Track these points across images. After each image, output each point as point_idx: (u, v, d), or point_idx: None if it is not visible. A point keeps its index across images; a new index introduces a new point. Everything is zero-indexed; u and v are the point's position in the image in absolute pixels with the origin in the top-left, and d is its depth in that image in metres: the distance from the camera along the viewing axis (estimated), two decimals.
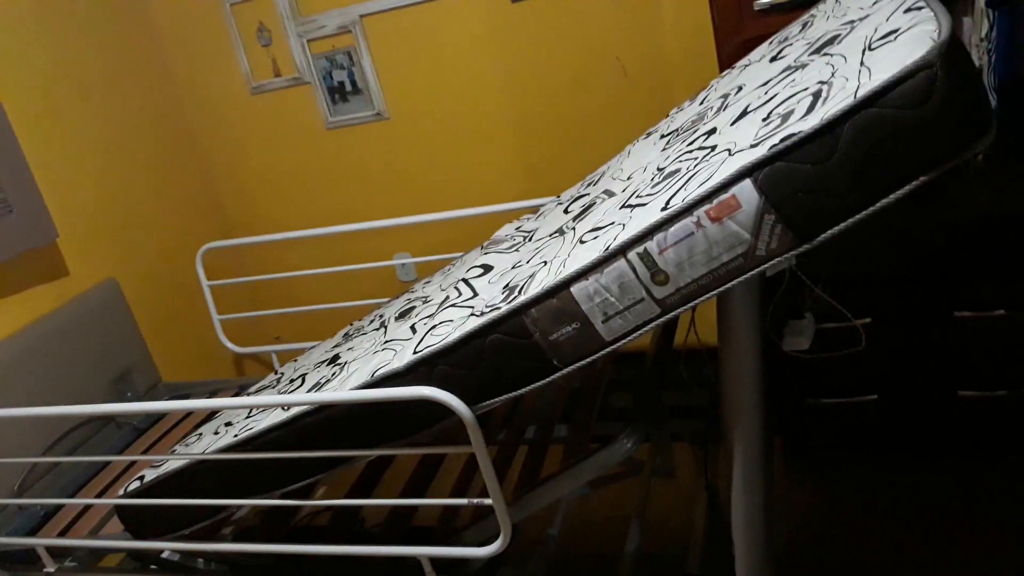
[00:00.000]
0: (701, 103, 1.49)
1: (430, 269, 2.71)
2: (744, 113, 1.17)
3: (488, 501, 1.32)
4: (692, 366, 1.72)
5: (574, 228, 1.34)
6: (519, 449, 1.84)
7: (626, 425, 1.34)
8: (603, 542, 1.97)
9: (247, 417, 1.62)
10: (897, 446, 2.13)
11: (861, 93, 0.90)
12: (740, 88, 1.34)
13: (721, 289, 1.03)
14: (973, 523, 1.89)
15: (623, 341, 1.12)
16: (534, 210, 2.03)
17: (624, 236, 1.07)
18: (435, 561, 1.46)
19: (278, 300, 2.89)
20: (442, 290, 1.64)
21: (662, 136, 1.51)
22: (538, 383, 1.19)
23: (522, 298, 1.16)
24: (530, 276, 1.24)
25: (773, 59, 1.35)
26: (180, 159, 2.71)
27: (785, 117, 1.01)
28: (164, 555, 1.84)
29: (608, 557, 1.78)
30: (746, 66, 1.48)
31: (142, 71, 2.59)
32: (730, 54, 1.83)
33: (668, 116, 1.66)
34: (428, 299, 1.64)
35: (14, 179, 2.07)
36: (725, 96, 1.38)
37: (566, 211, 1.57)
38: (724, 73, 1.60)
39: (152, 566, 1.82)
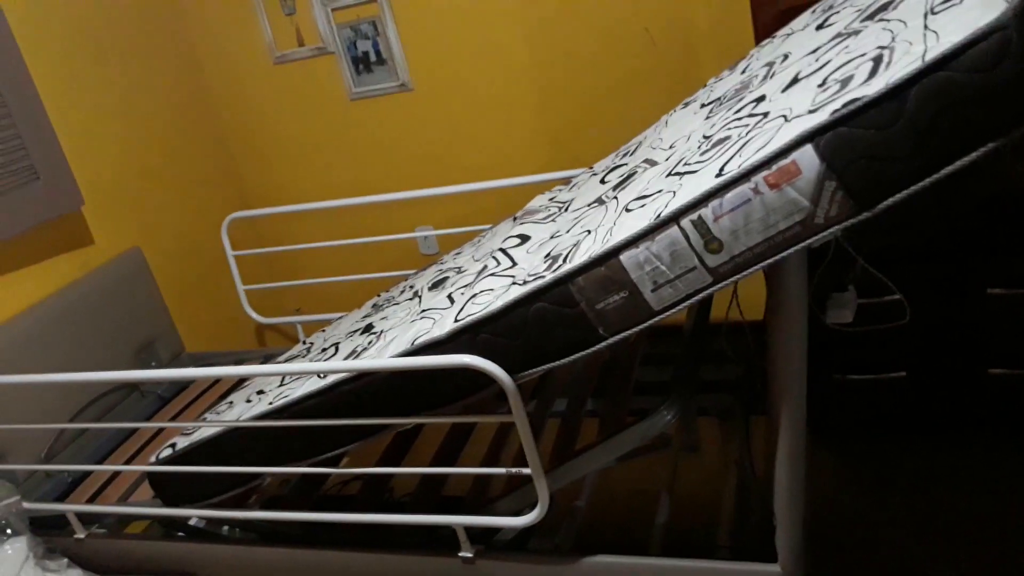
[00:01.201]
0: (743, 72, 1.47)
1: (453, 242, 2.70)
2: (795, 80, 1.15)
3: (527, 470, 1.32)
4: (728, 340, 1.71)
5: (616, 197, 1.32)
6: (547, 423, 1.84)
7: (666, 396, 1.33)
8: (630, 515, 1.97)
9: (280, 385, 1.62)
10: (924, 424, 2.12)
11: (930, 56, 0.88)
12: (786, 56, 1.32)
13: (776, 258, 1.02)
14: (997, 502, 1.88)
15: (672, 311, 1.11)
16: (561, 182, 2.01)
17: (677, 203, 1.05)
18: (468, 530, 1.46)
19: (296, 272, 2.89)
20: (476, 260, 1.63)
21: (703, 105, 1.49)
22: (583, 353, 1.18)
23: (568, 266, 1.15)
24: (574, 245, 1.22)
25: (820, 27, 1.33)
26: (201, 129, 2.69)
27: (844, 83, 0.99)
28: (192, 522, 1.85)
29: (636, 530, 1.78)
30: (789, 35, 1.46)
31: (164, 40, 2.57)
32: (766, 24, 1.80)
33: (706, 86, 1.64)
34: (462, 270, 1.63)
35: (40, 146, 2.06)
36: (770, 64, 1.36)
37: (603, 181, 1.55)
38: (764, 43, 1.58)
39: (179, 533, 1.83)
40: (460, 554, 1.46)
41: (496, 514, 1.46)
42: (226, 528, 1.93)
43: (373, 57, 2.54)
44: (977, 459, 2.02)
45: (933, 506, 1.91)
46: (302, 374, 1.30)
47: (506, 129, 2.51)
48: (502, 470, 1.36)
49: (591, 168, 1.78)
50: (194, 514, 1.64)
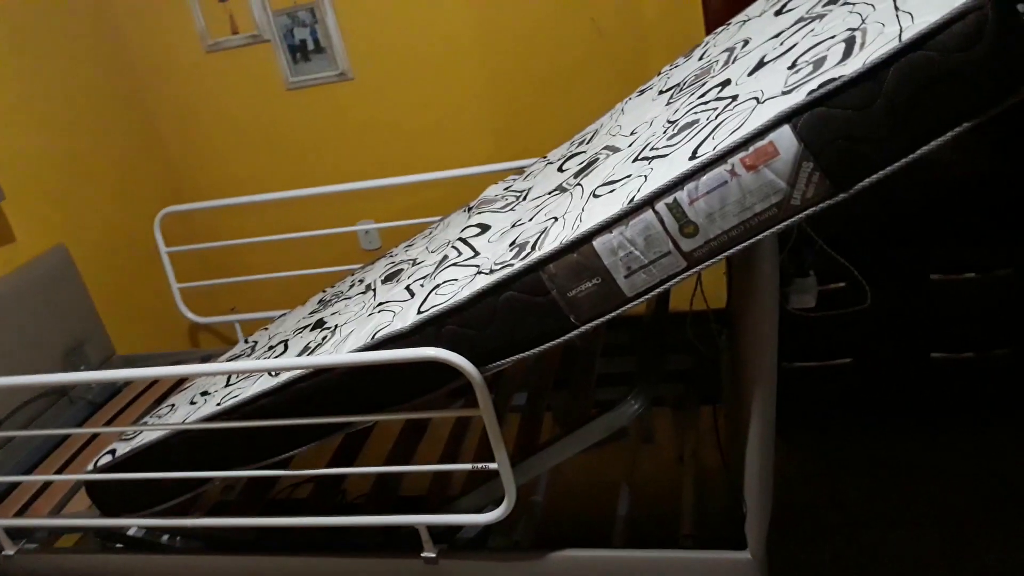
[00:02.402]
0: (700, 59, 1.46)
1: (396, 237, 2.65)
2: (761, 63, 1.15)
3: (493, 465, 1.28)
4: (689, 329, 1.71)
5: (580, 184, 1.30)
6: (507, 417, 1.81)
7: (631, 387, 1.32)
8: (590, 508, 1.95)
9: (227, 385, 1.55)
10: (871, 409, 2.16)
11: (907, 36, 0.88)
12: (747, 41, 1.32)
13: (751, 241, 1.01)
14: (943, 484, 1.93)
15: (644, 297, 1.09)
16: (512, 172, 1.98)
17: (651, 186, 1.03)
18: (430, 530, 1.42)
19: (233, 269, 2.79)
20: (432, 252, 1.59)
21: (660, 92, 1.48)
22: (554, 342, 1.15)
23: (538, 253, 1.12)
24: (541, 232, 1.19)
25: (779, 12, 1.33)
26: (131, 121, 2.57)
27: (817, 64, 0.98)
28: (131, 532, 1.75)
29: (598, 523, 1.77)
30: (745, 21, 1.46)
31: (89, 28, 2.44)
32: (717, 12, 1.81)
33: (661, 73, 1.63)
34: (417, 261, 1.58)
35: None
36: (730, 50, 1.35)
37: (561, 169, 1.53)
38: (719, 30, 1.58)
39: (118, 544, 1.73)
40: (423, 554, 1.42)
41: (459, 512, 1.42)
42: (166, 538, 1.84)
43: (311, 45, 2.47)
44: (922, 443, 2.07)
45: (880, 490, 1.95)
46: (259, 371, 1.24)
47: (451, 120, 2.47)
48: (467, 466, 1.32)
49: (545, 157, 1.75)
50: (136, 523, 1.55)
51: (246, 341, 1.97)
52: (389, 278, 1.58)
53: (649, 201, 1.03)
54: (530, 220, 1.33)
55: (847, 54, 0.95)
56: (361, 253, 2.71)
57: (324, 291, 1.98)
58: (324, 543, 1.53)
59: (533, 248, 1.16)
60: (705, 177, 0.99)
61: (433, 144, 2.51)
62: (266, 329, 1.98)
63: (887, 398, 2.11)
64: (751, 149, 0.96)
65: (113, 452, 1.55)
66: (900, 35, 0.89)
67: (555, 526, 1.81)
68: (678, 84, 1.42)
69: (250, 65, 2.51)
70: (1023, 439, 2.00)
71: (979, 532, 1.76)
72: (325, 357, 1.23)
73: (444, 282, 1.28)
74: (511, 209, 1.50)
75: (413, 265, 1.56)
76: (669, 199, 1.01)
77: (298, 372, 1.30)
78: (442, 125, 2.48)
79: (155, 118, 2.65)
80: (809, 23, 1.16)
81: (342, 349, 1.32)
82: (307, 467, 2.05)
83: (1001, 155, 1.85)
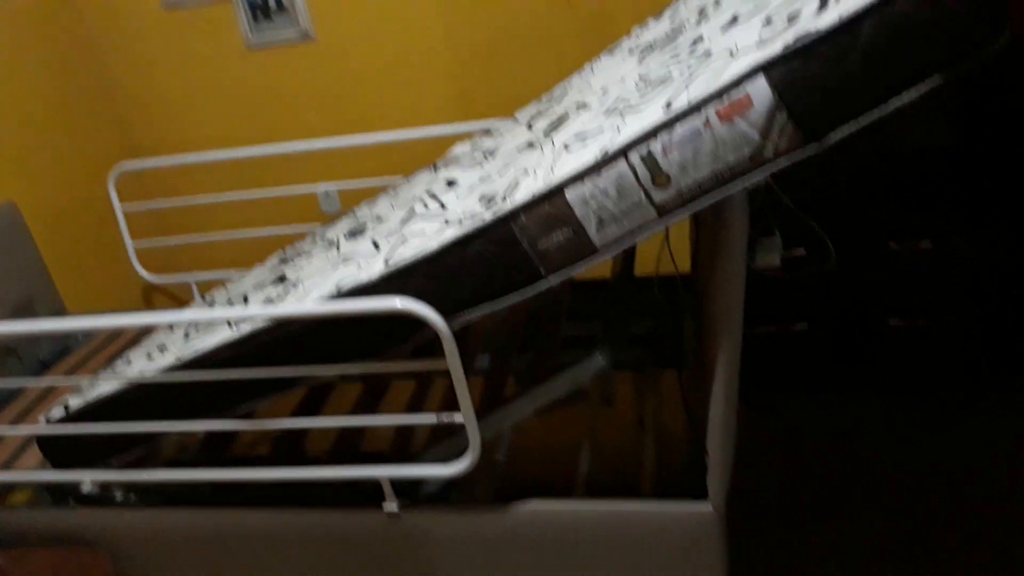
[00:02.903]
0: (672, 19, 1.46)
1: (358, 199, 2.61)
2: (735, 20, 1.15)
3: (459, 417, 1.28)
4: (654, 290, 1.72)
5: (551, 139, 1.29)
6: (470, 381, 1.80)
7: (599, 341, 1.32)
8: (551, 467, 1.97)
9: (186, 339, 1.52)
10: (828, 375, 2.21)
11: None
12: (718, 1, 1.32)
13: (722, 192, 1.02)
14: (896, 450, 1.98)
15: (615, 250, 1.09)
16: (477, 133, 1.97)
17: (625, 137, 1.03)
18: (393, 484, 1.42)
19: (188, 229, 2.73)
20: (397, 208, 1.57)
21: (631, 51, 1.48)
22: (523, 293, 1.15)
23: (509, 204, 1.12)
24: (512, 184, 1.19)
25: None
26: (85, 77, 2.49)
27: (792, 18, 0.99)
28: (85, 490, 1.72)
29: (558, 481, 1.78)
30: None
31: None
32: None
33: (631, 34, 1.62)
34: (382, 217, 1.56)
35: None
36: (701, 10, 1.35)
37: (529, 127, 1.52)
38: None
39: (70, 501, 1.70)
40: (385, 508, 1.42)
41: (423, 464, 1.42)
42: (120, 494, 1.81)
43: (272, 4, 2.41)
44: (877, 409, 2.12)
45: (832, 459, 2.00)
46: (223, 320, 1.22)
47: (416, 81, 2.44)
48: (432, 416, 1.32)
49: (513, 116, 1.74)
50: (90, 477, 1.52)
51: (203, 299, 1.94)
52: (353, 234, 1.56)
53: (623, 151, 1.03)
54: (499, 175, 1.32)
55: (822, 7, 0.96)
56: (322, 217, 2.68)
57: (284, 250, 1.95)
58: (282, 499, 1.51)
59: (503, 200, 1.15)
60: (679, 128, 0.99)
61: (397, 106, 2.48)
62: (225, 287, 1.94)
63: (845, 364, 2.16)
64: (726, 100, 0.96)
65: (66, 406, 1.52)
66: None
67: (516, 485, 1.82)
68: (649, 43, 1.42)
69: (209, 24, 2.45)
70: (972, 406, 2.07)
71: (930, 503, 1.81)
72: (289, 307, 1.21)
73: (411, 234, 1.27)
74: (479, 166, 1.49)
75: (378, 221, 1.54)
76: (643, 150, 1.01)
77: (260, 324, 1.28)
78: (406, 86, 2.45)
79: (111, 76, 2.57)
80: None
81: (306, 301, 1.31)
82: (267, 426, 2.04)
83: (960, 128, 1.89)
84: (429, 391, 1.81)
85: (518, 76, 2.34)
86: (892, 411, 2.09)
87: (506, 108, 2.34)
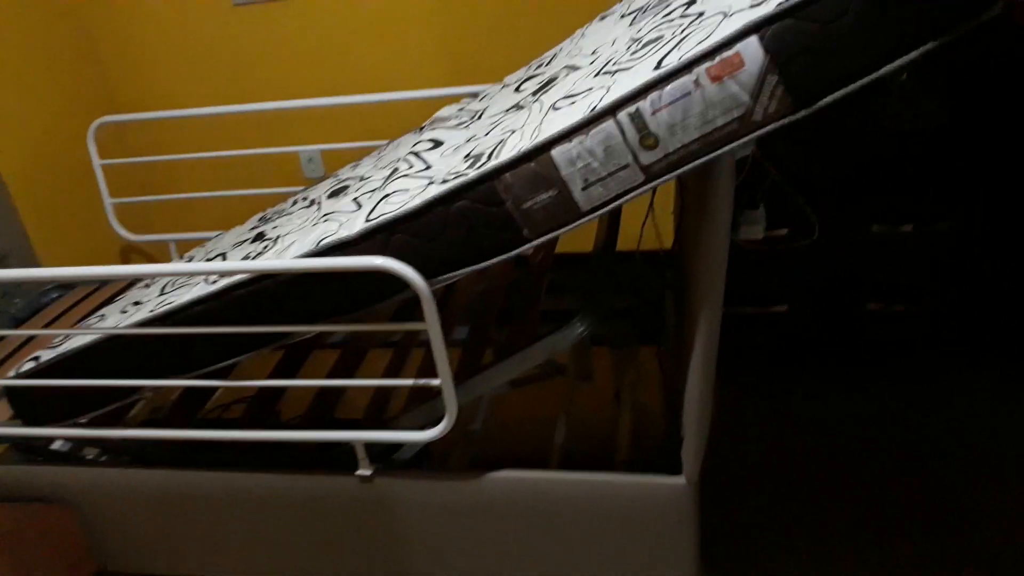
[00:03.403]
0: None
1: (341, 163, 2.58)
2: None
3: (436, 381, 1.27)
4: (638, 264, 1.71)
5: (540, 100, 1.27)
6: (448, 352, 1.78)
7: (579, 308, 1.31)
8: (526, 439, 1.96)
9: (161, 295, 1.49)
10: (806, 357, 2.20)
11: None
12: None
13: (710, 156, 1.00)
14: (871, 434, 1.99)
15: (600, 212, 1.08)
16: (465, 97, 1.94)
17: (614, 95, 1.01)
18: (367, 448, 1.40)
19: (168, 188, 2.69)
20: (381, 168, 1.55)
21: (622, 16, 1.45)
22: (505, 255, 1.13)
23: (494, 162, 1.09)
24: (499, 143, 1.17)
25: None
26: (66, 29, 2.43)
27: None
28: (55, 446, 1.69)
29: (534, 453, 1.77)
30: None
31: None
32: None
33: (623, 0, 1.60)
34: (365, 177, 1.54)
35: None
36: None
37: (518, 90, 1.49)
38: None
39: (39, 458, 1.67)
40: (358, 472, 1.40)
41: (398, 430, 1.40)
42: (91, 452, 1.79)
43: None
44: (854, 390, 2.11)
45: (811, 435, 2.00)
46: (198, 274, 1.19)
47: (404, 44, 2.40)
48: (409, 381, 1.30)
49: (502, 81, 1.72)
50: (61, 434, 1.50)
51: (181, 258, 1.91)
52: (335, 193, 1.54)
53: (611, 110, 1.01)
54: (485, 135, 1.30)
55: None
56: (304, 182, 2.64)
57: (265, 212, 1.92)
58: (255, 461, 1.50)
59: (489, 158, 1.13)
60: (669, 87, 0.97)
61: (385, 69, 2.44)
62: (203, 246, 1.91)
63: (823, 347, 2.16)
64: (717, 59, 0.94)
65: (37, 359, 1.49)
66: None
67: (491, 456, 1.82)
68: (642, 7, 1.39)
69: None
70: (947, 394, 2.07)
71: (904, 482, 1.82)
72: (268, 262, 1.19)
73: (394, 192, 1.24)
74: (465, 127, 1.47)
75: (361, 181, 1.52)
76: (631, 108, 1.00)
77: (237, 278, 1.26)
78: (395, 49, 2.41)
79: (94, 30, 2.51)
80: None
81: (285, 257, 1.28)
82: (242, 389, 2.01)
83: (947, 112, 1.88)
84: (406, 361, 1.79)
85: (510, 42, 2.31)
86: (868, 392, 2.09)
87: (497, 74, 2.30)
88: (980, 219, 1.94)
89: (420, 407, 1.42)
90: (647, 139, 1.00)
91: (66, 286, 2.23)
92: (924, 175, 1.92)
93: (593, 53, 1.33)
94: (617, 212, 1.66)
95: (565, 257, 1.95)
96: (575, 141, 1.03)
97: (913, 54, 0.90)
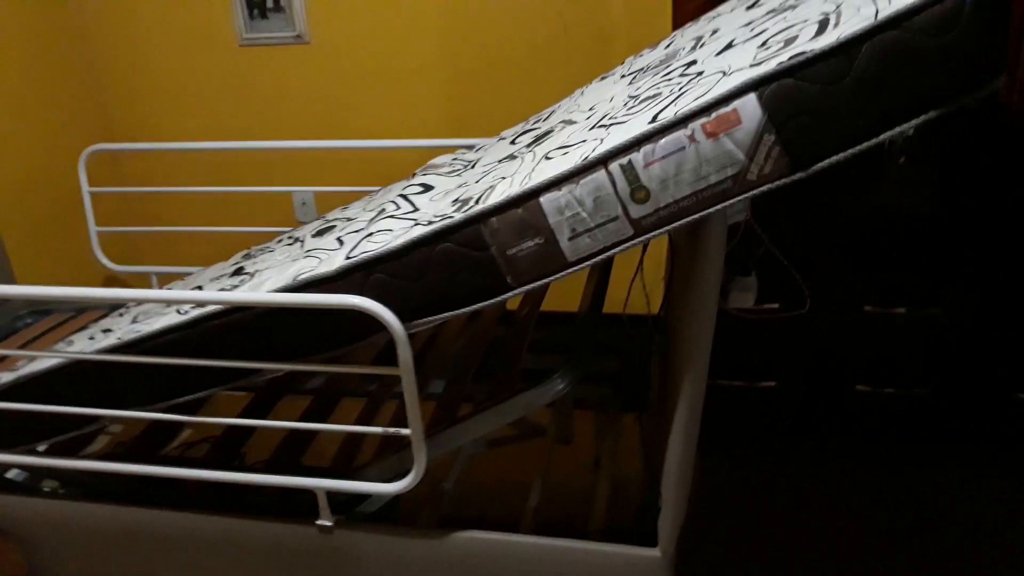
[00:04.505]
0: (667, 48, 1.44)
1: (333, 206, 2.56)
2: (730, 46, 1.12)
3: (406, 431, 1.21)
4: (623, 327, 1.67)
5: (533, 151, 1.25)
6: (423, 406, 1.73)
7: (561, 364, 1.27)
8: (500, 501, 1.90)
9: (132, 323, 1.45)
10: (791, 435, 2.16)
11: (883, 15, 0.86)
12: (716, 31, 1.30)
13: (701, 214, 0.97)
14: (855, 510, 1.93)
15: (585, 264, 1.05)
16: (460, 149, 1.93)
17: (607, 145, 0.99)
18: (330, 498, 1.34)
19: (158, 222, 2.66)
20: (368, 211, 1.52)
21: (622, 76, 1.45)
22: (486, 302, 1.10)
23: (481, 206, 1.07)
24: (488, 188, 1.14)
25: (750, 7, 1.31)
26: (68, 54, 2.44)
27: (789, 41, 0.96)
28: (10, 475, 1.62)
29: (505, 515, 1.70)
30: (715, 16, 1.44)
31: None
32: (686, 16, 1.79)
33: (624, 63, 1.60)
34: (352, 219, 1.51)
35: None
36: (698, 39, 1.33)
37: (513, 143, 1.48)
38: (687, 25, 1.56)
39: None
40: (318, 522, 1.34)
41: (364, 480, 1.34)
42: (48, 485, 1.71)
43: (270, 3, 2.38)
44: (839, 469, 2.06)
45: (792, 513, 1.94)
46: (168, 301, 1.15)
47: (406, 98, 2.41)
48: (379, 429, 1.25)
49: (499, 135, 1.71)
50: (17, 461, 1.43)
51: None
52: (320, 233, 1.51)
53: (603, 160, 0.99)
54: (476, 183, 1.28)
55: (820, 32, 0.93)
56: (297, 224, 2.62)
57: (250, 249, 1.88)
58: (214, 504, 1.43)
59: (477, 203, 1.10)
60: (663, 140, 0.95)
61: (385, 120, 2.44)
62: (183, 280, 1.87)
63: (808, 424, 2.11)
64: (713, 115, 0.93)
65: None
66: (876, 14, 0.87)
67: (463, 515, 1.75)
68: (642, 68, 1.39)
69: (204, 15, 2.42)
70: (935, 479, 2.02)
71: (886, 564, 1.76)
72: (240, 294, 1.15)
73: (378, 231, 1.21)
74: (457, 174, 1.45)
75: (348, 222, 1.49)
76: (624, 160, 0.97)
77: (209, 309, 1.21)
78: (396, 102, 2.42)
79: (97, 57, 2.52)
80: (781, 12, 1.14)
81: (260, 290, 1.24)
82: (208, 429, 1.95)
83: (942, 197, 1.88)
84: (378, 412, 1.74)
85: (510, 99, 2.32)
86: (855, 473, 2.04)
87: (495, 130, 2.31)
88: (971, 307, 1.92)
89: (389, 458, 1.37)
90: (639, 192, 0.98)
91: (41, 312, 2.18)
92: (917, 258, 1.91)
93: (590, 109, 1.32)
94: (606, 272, 1.63)
95: (550, 315, 1.92)
96: (564, 190, 1.01)
97: (913, 121, 0.88)
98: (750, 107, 0.91)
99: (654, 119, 0.98)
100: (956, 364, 1.98)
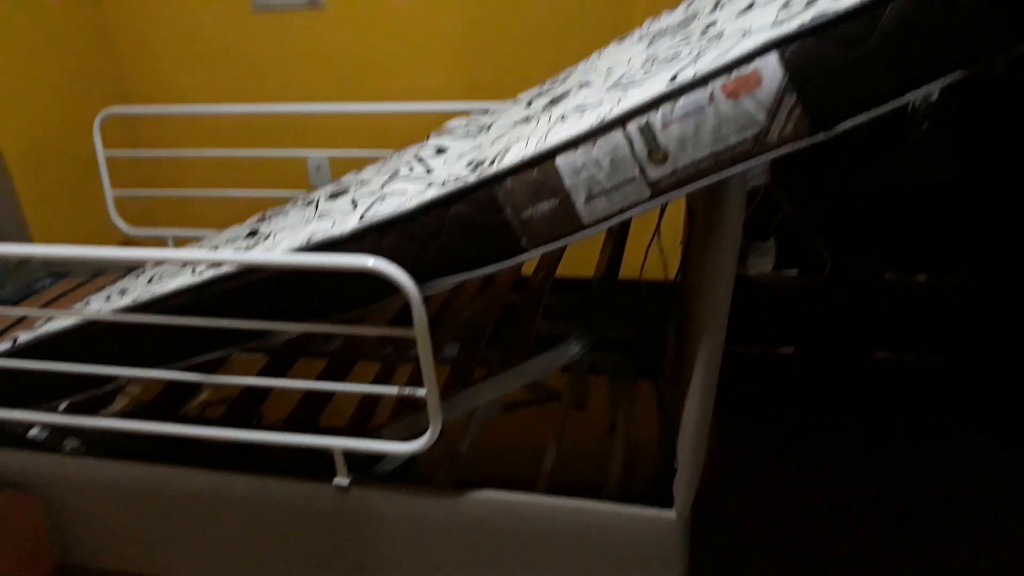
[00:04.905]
0: (687, 9, 1.42)
1: (347, 170, 2.55)
2: (751, 6, 1.10)
3: (421, 391, 1.22)
4: (640, 292, 1.66)
5: (549, 112, 1.24)
6: (437, 370, 1.74)
7: (575, 327, 1.27)
8: (514, 465, 1.91)
9: (148, 284, 1.46)
10: (809, 401, 2.15)
11: None
12: None
13: (720, 175, 0.96)
14: (872, 476, 1.93)
15: (601, 225, 1.04)
16: (477, 112, 1.91)
17: (625, 106, 0.98)
18: (347, 457, 1.35)
19: (173, 185, 2.67)
20: (382, 173, 1.51)
21: (640, 38, 1.43)
22: (500, 264, 1.09)
23: (496, 167, 1.06)
24: (503, 150, 1.13)
25: None
26: (83, 19, 2.43)
27: (811, 2, 0.94)
28: (32, 433, 1.65)
29: (520, 478, 1.72)
30: None
31: None
32: None
33: (642, 25, 1.58)
34: (366, 181, 1.51)
35: None
36: (718, 0, 1.30)
37: (529, 105, 1.46)
38: None
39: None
40: (335, 481, 1.35)
41: (380, 439, 1.35)
42: (69, 443, 1.74)
43: None
44: (856, 435, 2.05)
45: (809, 478, 1.94)
46: (184, 261, 1.15)
47: (422, 63, 2.39)
48: (394, 389, 1.25)
49: (513, 99, 1.69)
50: (39, 419, 1.45)
51: None
52: (334, 195, 1.51)
53: (621, 120, 0.97)
54: (491, 145, 1.27)
55: None
56: (311, 188, 2.62)
57: (264, 212, 1.89)
58: (232, 463, 1.45)
59: (491, 164, 1.09)
60: (682, 100, 0.94)
61: (399, 83, 2.43)
62: (199, 244, 1.88)
63: (825, 391, 2.10)
64: (734, 75, 0.91)
65: (15, 340, 1.45)
66: None
67: (478, 478, 1.76)
68: (661, 30, 1.37)
69: None
70: (952, 449, 2.01)
71: (901, 530, 1.76)
72: (253, 255, 1.15)
73: (391, 193, 1.21)
74: (472, 137, 1.44)
75: (361, 184, 1.48)
76: (642, 120, 0.96)
77: (223, 270, 1.22)
78: (410, 65, 2.40)
79: (111, 21, 2.51)
80: None
81: (274, 252, 1.24)
82: (225, 391, 1.97)
83: (963, 164, 1.85)
84: (393, 375, 1.75)
85: (527, 63, 2.30)
86: (871, 443, 2.04)
87: (511, 94, 2.29)
88: (991, 275, 1.90)
89: (404, 419, 1.37)
90: (656, 153, 0.96)
91: (58, 274, 2.19)
92: (938, 226, 1.89)
93: (608, 70, 1.30)
94: (622, 238, 1.63)
95: (565, 281, 1.91)
96: (581, 150, 1.00)
97: (939, 82, 0.86)
98: (771, 67, 0.89)
99: (673, 79, 0.97)
100: (975, 332, 1.96)
